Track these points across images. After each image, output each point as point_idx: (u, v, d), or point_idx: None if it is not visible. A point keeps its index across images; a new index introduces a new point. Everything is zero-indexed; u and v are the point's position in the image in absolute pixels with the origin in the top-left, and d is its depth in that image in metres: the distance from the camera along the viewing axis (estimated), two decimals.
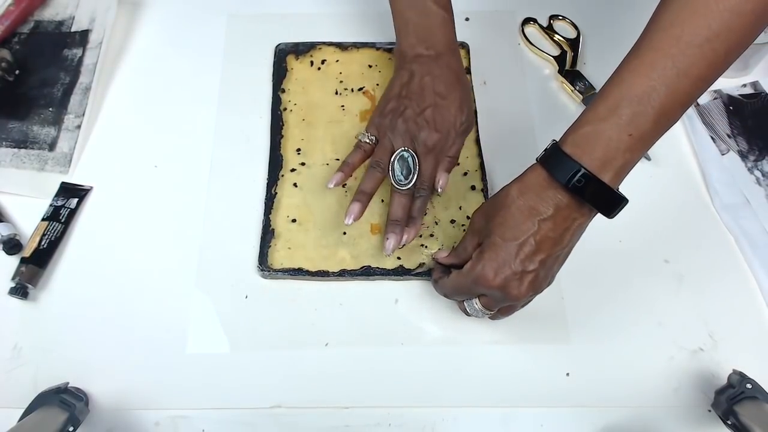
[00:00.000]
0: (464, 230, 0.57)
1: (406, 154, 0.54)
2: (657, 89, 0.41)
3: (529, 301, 0.48)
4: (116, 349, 0.52)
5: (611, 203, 0.43)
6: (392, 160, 0.54)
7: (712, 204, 0.60)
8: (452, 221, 0.57)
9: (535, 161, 0.45)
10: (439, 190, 0.54)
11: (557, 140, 0.45)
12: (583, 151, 0.42)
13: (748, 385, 0.47)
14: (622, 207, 0.43)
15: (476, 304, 0.48)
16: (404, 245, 0.54)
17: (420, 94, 0.55)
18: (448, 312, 0.54)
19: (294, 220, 0.57)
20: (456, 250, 0.51)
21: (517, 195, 0.45)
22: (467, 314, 0.50)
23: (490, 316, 0.49)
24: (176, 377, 0.51)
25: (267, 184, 0.59)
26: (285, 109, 0.63)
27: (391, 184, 0.54)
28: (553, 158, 0.43)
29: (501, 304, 0.47)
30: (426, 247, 0.56)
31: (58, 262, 0.56)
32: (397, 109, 0.55)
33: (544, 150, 0.45)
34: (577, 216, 0.44)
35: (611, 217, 0.44)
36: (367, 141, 0.56)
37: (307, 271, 0.55)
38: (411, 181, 0.53)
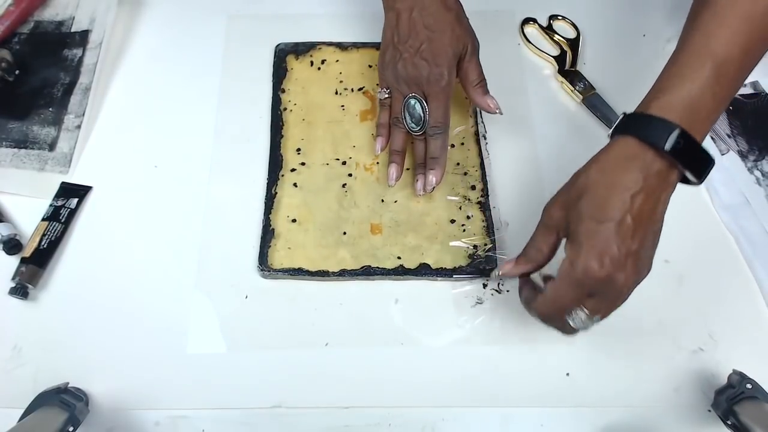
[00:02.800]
0: (464, 230, 0.57)
1: (412, 101, 0.55)
2: (732, 51, 0.41)
3: (630, 293, 0.43)
4: (116, 349, 0.52)
5: (704, 165, 0.42)
6: (401, 109, 0.55)
7: (712, 204, 0.60)
8: (452, 221, 0.57)
9: (610, 137, 0.43)
10: (498, 111, 0.56)
11: (627, 113, 0.43)
12: (675, 113, 0.41)
13: (748, 385, 0.47)
14: (711, 169, 0.42)
15: (582, 313, 0.43)
16: (434, 187, 0.55)
17: (410, 34, 0.54)
18: (447, 312, 0.54)
19: (294, 220, 0.57)
20: (526, 254, 0.47)
21: (598, 174, 0.42)
22: (571, 332, 0.45)
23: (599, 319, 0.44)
24: (176, 377, 0.51)
25: (267, 184, 0.59)
26: (285, 109, 0.63)
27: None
28: (641, 124, 0.41)
29: (609, 299, 0.43)
30: (425, 247, 0.56)
31: (58, 262, 0.56)
32: (393, 57, 0.55)
33: (616, 124, 0.43)
34: (666, 185, 0.41)
35: (702, 182, 0.42)
36: (385, 96, 0.57)
37: (307, 271, 0.55)
38: (422, 126, 0.54)
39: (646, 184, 0.41)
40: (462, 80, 0.57)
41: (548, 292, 0.44)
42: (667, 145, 0.40)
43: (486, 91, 0.57)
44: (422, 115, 0.54)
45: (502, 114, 0.57)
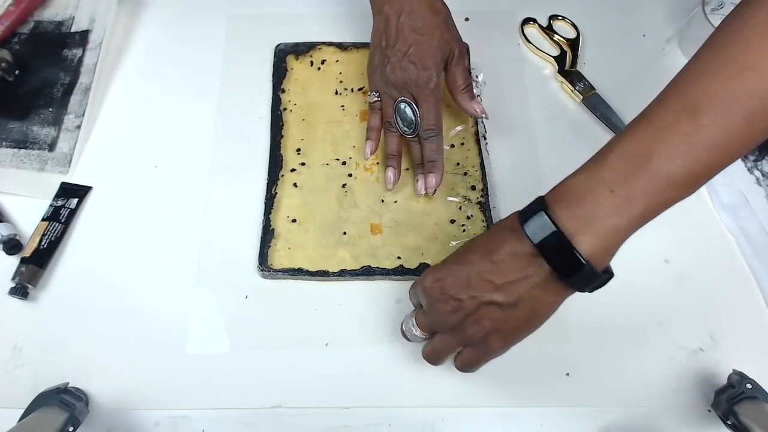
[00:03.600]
0: (464, 230, 0.57)
1: (402, 105, 0.55)
2: (660, 149, 0.36)
3: (472, 358, 0.44)
4: (116, 349, 0.52)
5: (573, 268, 0.37)
6: (393, 113, 0.55)
7: (712, 204, 0.60)
8: (452, 221, 0.57)
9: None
10: (484, 116, 0.56)
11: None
12: (559, 202, 0.37)
13: (748, 385, 0.47)
14: (596, 282, 0.38)
15: (410, 320, 0.46)
16: (435, 190, 0.56)
17: (398, 37, 0.54)
18: None
19: (294, 220, 0.57)
20: None
21: (493, 228, 0.43)
22: (405, 337, 0.48)
23: (424, 345, 0.47)
24: (176, 377, 0.51)
25: (267, 184, 0.59)
26: (285, 109, 0.63)
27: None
28: (532, 204, 0.39)
29: (430, 321, 0.45)
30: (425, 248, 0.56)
31: (58, 262, 0.56)
32: (382, 61, 0.55)
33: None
34: (532, 273, 0.38)
35: (581, 290, 0.38)
36: (375, 99, 0.57)
37: (307, 271, 0.55)
38: (414, 129, 0.55)
39: (508, 260, 0.39)
40: (448, 84, 0.57)
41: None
42: (523, 223, 0.38)
43: (472, 96, 0.57)
44: (414, 118, 0.54)
45: (488, 119, 0.57)
